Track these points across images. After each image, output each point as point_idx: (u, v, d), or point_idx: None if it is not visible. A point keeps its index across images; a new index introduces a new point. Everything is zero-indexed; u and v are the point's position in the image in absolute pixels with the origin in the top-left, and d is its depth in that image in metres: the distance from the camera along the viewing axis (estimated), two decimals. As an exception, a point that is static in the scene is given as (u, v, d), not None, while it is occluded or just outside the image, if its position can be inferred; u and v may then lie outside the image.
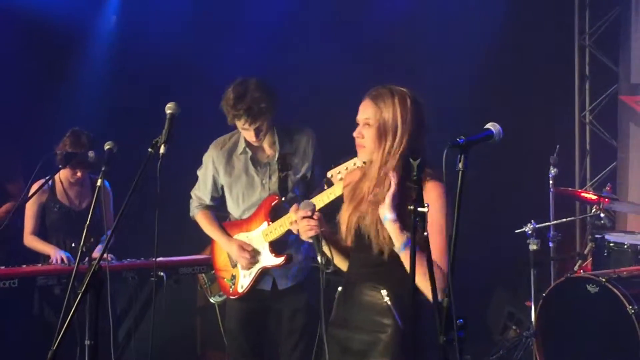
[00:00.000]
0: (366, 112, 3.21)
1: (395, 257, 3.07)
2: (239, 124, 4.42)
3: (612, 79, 8.00)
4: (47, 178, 5.25)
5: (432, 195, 3.06)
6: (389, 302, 3.14)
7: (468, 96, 7.30)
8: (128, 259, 5.43)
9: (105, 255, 5.19)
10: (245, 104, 4.31)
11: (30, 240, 5.52)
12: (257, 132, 4.42)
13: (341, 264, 3.40)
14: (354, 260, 3.33)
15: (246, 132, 4.46)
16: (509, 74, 7.71)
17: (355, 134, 3.25)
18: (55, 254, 5.33)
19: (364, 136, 3.21)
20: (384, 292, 3.15)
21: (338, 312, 3.35)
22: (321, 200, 4.16)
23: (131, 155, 4.00)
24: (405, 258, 3.01)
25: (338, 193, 4.03)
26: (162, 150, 3.31)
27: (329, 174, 4.20)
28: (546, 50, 7.80)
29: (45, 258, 5.42)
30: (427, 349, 3.11)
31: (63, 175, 5.51)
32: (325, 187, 4.49)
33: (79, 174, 5.46)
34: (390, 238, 3.07)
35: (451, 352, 2.71)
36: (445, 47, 7.44)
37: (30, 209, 5.51)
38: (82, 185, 5.60)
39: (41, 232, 5.56)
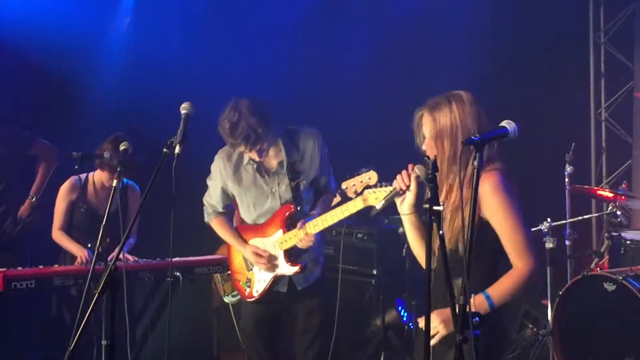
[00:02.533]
0: (427, 126, 3.23)
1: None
2: (240, 149, 4.40)
3: (628, 75, 7.95)
4: (79, 176, 5.40)
5: (485, 187, 3.07)
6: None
7: (482, 94, 7.24)
8: (144, 259, 5.43)
9: (129, 257, 5.25)
10: (241, 131, 4.23)
11: (58, 236, 5.53)
12: (260, 153, 4.38)
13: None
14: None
15: (249, 154, 4.43)
16: (524, 71, 7.68)
17: (423, 148, 3.25)
18: (81, 255, 5.35)
19: (428, 149, 3.22)
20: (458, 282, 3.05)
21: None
22: (335, 216, 4.16)
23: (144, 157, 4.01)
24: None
25: (353, 210, 4.02)
26: (177, 150, 3.32)
27: (343, 185, 4.19)
28: (561, 47, 7.76)
29: (64, 259, 5.46)
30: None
31: (97, 177, 5.52)
32: (339, 198, 4.48)
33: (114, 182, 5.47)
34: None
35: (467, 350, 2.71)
36: (459, 46, 7.41)
37: (61, 205, 5.53)
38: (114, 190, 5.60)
39: (68, 228, 5.58)
